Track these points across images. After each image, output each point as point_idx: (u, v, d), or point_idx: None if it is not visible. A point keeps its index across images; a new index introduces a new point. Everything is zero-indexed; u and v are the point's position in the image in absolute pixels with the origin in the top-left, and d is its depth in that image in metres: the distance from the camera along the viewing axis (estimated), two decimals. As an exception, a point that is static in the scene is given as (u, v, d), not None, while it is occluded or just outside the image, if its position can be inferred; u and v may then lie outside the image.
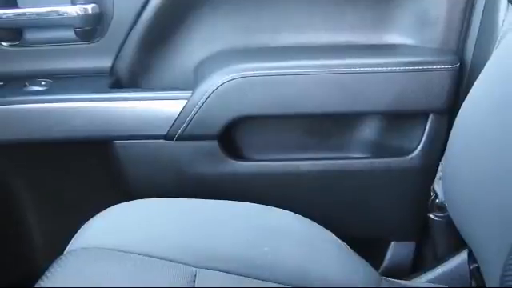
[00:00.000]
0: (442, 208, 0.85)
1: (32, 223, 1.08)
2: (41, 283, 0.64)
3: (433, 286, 0.81)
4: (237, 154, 0.95)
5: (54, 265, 0.68)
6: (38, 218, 1.07)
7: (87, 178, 1.02)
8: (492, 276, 0.67)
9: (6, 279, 1.06)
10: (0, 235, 1.03)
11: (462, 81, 0.86)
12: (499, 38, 0.81)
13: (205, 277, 0.67)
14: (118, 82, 0.95)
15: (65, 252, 0.71)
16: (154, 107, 0.89)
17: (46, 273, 0.66)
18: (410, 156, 0.92)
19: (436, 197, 0.85)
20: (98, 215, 0.77)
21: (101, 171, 0.99)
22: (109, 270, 0.66)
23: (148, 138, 0.89)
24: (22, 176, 1.02)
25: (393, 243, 1.01)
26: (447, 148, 0.77)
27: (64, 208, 1.03)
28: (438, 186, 0.84)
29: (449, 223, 0.83)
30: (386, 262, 1.02)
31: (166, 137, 0.89)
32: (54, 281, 0.64)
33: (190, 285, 0.65)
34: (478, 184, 0.70)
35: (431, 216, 0.88)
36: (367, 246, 0.87)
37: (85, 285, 0.64)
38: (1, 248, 1.03)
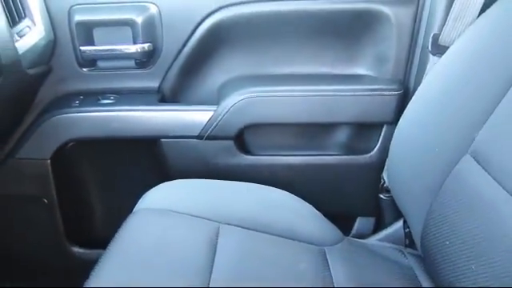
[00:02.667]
0: (388, 190, 1.13)
1: (94, 203, 1.35)
2: (120, 233, 0.91)
3: (379, 243, 1.09)
4: (246, 151, 1.22)
5: (127, 220, 0.95)
6: (100, 199, 1.33)
7: (140, 168, 1.28)
8: (416, 235, 0.94)
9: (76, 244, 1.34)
10: (70, 211, 1.31)
11: (406, 101, 1.13)
12: (427, 71, 1.09)
13: (225, 229, 0.94)
14: (163, 97, 1.23)
15: (132, 212, 0.99)
16: (190, 116, 1.17)
17: (123, 226, 0.93)
18: (369, 154, 1.20)
19: (384, 182, 1.13)
20: (153, 189, 1.04)
21: (150, 162, 1.25)
22: (163, 223, 0.94)
23: (185, 138, 1.17)
24: (91, 165, 1.28)
25: (358, 218, 1.29)
26: (390, 149, 1.05)
27: (120, 190, 1.29)
28: (385, 174, 1.12)
29: (392, 201, 1.10)
30: (353, 233, 1.29)
31: (198, 137, 1.17)
32: (129, 229, 0.92)
33: (216, 234, 0.93)
34: (409, 173, 0.98)
35: (381, 196, 1.16)
36: (340, 220, 1.14)
37: (148, 233, 0.92)
38: (71, 220, 1.31)
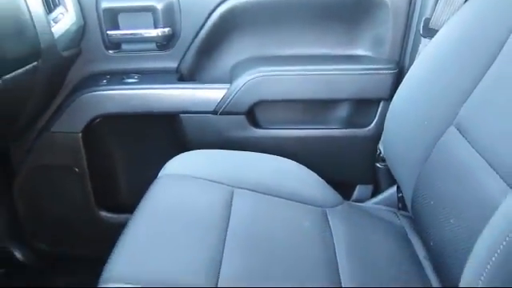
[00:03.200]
0: (383, 160, 1.24)
1: (120, 172, 1.45)
2: (147, 195, 1.03)
3: (375, 206, 1.20)
4: (257, 125, 1.33)
5: (152, 185, 1.07)
6: (125, 168, 1.44)
7: (161, 140, 1.38)
8: (407, 199, 1.05)
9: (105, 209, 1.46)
10: (99, 179, 1.42)
11: (401, 80, 1.21)
12: (419, 52, 1.19)
13: (239, 192, 1.05)
14: (181, 77, 1.34)
15: (156, 178, 1.10)
16: (205, 93, 1.29)
17: (149, 190, 1.05)
18: (367, 128, 1.31)
19: (380, 152, 1.24)
20: (174, 158, 1.16)
21: (170, 135, 1.36)
22: (184, 187, 1.06)
23: (201, 113, 1.29)
24: (117, 138, 1.39)
25: (358, 186, 1.39)
26: (385, 122, 1.15)
27: (143, 160, 1.40)
28: (381, 145, 1.23)
29: (387, 169, 1.21)
30: (352, 199, 1.40)
31: (213, 112, 1.28)
32: (155, 192, 1.04)
33: (230, 197, 1.04)
34: (402, 144, 1.08)
35: (378, 165, 1.27)
36: (341, 187, 1.25)
37: (172, 195, 1.03)
38: (100, 187, 1.43)
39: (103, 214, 1.41)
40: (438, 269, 0.91)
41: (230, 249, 0.86)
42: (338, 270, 0.89)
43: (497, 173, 0.74)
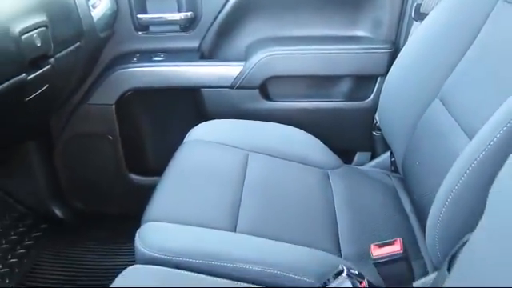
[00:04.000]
0: (379, 128, 1.37)
1: (148, 139, 1.59)
2: (175, 157, 1.18)
3: (371, 169, 1.35)
4: (268, 98, 1.48)
5: (179, 149, 1.22)
6: (153, 136, 1.58)
7: (184, 111, 1.52)
8: (399, 162, 1.19)
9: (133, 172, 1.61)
10: (130, 146, 1.58)
11: (395, 58, 1.31)
12: (411, 33, 1.32)
13: (253, 155, 1.20)
14: (202, 55, 1.49)
15: (182, 143, 1.26)
16: (223, 70, 1.43)
17: (176, 153, 1.20)
18: (366, 101, 1.45)
19: (376, 122, 1.38)
20: (196, 127, 1.31)
21: (192, 107, 1.49)
22: (207, 150, 1.21)
23: (219, 87, 1.43)
24: (146, 109, 1.53)
25: (358, 153, 1.54)
26: (381, 95, 1.29)
27: (169, 129, 1.53)
28: (377, 116, 1.37)
29: (382, 137, 1.35)
30: (353, 163, 1.54)
31: (230, 87, 1.43)
32: (182, 154, 1.19)
33: (246, 159, 1.19)
34: (394, 115, 1.22)
35: (374, 133, 1.42)
36: (343, 154, 1.40)
37: (196, 157, 1.18)
38: (131, 153, 1.58)
39: (133, 176, 1.57)
40: (419, 218, 1.06)
41: (246, 199, 1.03)
42: (336, 218, 1.04)
43: (465, 133, 0.88)
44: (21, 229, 1.58)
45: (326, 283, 0.78)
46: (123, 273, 0.77)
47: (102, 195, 1.63)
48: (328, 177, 1.21)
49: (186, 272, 0.77)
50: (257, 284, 0.78)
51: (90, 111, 1.48)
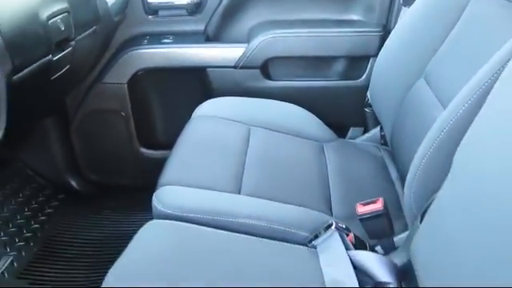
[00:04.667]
0: (370, 105, 1.48)
1: (158, 115, 1.69)
2: (185, 130, 1.28)
3: (363, 142, 1.46)
4: (268, 77, 1.58)
5: (188, 123, 1.33)
6: (162, 112, 1.68)
7: (191, 90, 1.61)
8: (387, 136, 1.30)
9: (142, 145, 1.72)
10: (141, 121, 1.68)
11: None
12: (400, 17, 1.42)
13: (254, 129, 1.31)
14: (208, 37, 1.59)
15: (190, 119, 1.36)
16: (227, 51, 1.54)
17: (185, 127, 1.31)
18: (359, 80, 1.55)
19: (368, 99, 1.49)
20: (203, 104, 1.41)
21: (199, 85, 1.59)
22: (213, 125, 1.30)
23: (224, 67, 1.54)
24: (156, 88, 1.63)
25: (352, 129, 1.64)
26: (372, 75, 1.39)
27: (177, 106, 1.62)
28: (369, 94, 1.47)
29: (374, 113, 1.45)
30: (347, 138, 1.65)
31: (233, 67, 1.53)
32: (191, 127, 1.29)
33: (248, 132, 1.29)
34: (383, 92, 1.32)
35: (366, 109, 1.52)
36: (338, 130, 1.50)
37: (204, 130, 1.28)
38: (141, 128, 1.68)
39: (144, 150, 1.68)
40: (403, 184, 1.17)
41: (249, 167, 1.14)
42: (328, 184, 1.16)
43: (442, 106, 0.99)
44: (41, 198, 1.69)
45: (317, 235, 0.90)
46: (144, 226, 0.89)
47: (115, 168, 1.74)
48: (322, 149, 1.32)
49: (198, 226, 0.89)
50: (260, 237, 0.90)
51: (104, 89, 1.59)
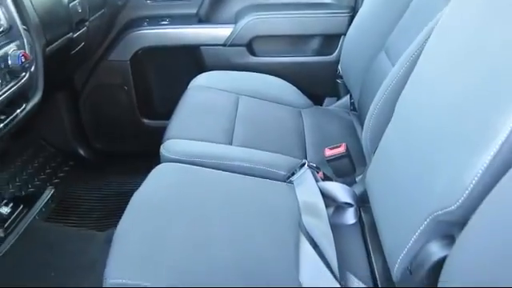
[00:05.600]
0: (341, 77, 1.69)
1: (157, 88, 1.89)
2: (184, 98, 1.49)
3: (335, 108, 1.67)
4: (253, 53, 1.78)
5: (185, 93, 1.53)
6: (161, 86, 1.88)
7: (186, 66, 1.80)
8: (356, 102, 1.51)
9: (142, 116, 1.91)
10: (141, 94, 1.87)
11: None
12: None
13: (242, 98, 1.51)
14: (200, 19, 1.78)
15: (187, 89, 1.56)
16: (217, 31, 1.74)
17: (184, 95, 1.51)
18: (332, 55, 1.76)
19: (339, 72, 1.69)
20: (197, 76, 1.61)
21: (193, 61, 1.78)
22: (206, 94, 1.51)
23: (215, 45, 1.74)
24: (155, 64, 1.82)
25: (327, 98, 1.86)
26: (342, 50, 1.61)
27: (174, 80, 1.79)
28: (340, 67, 1.69)
29: (344, 84, 1.67)
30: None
31: (223, 45, 1.73)
32: (189, 95, 1.49)
33: (237, 100, 1.50)
34: (351, 64, 1.53)
35: (338, 81, 1.73)
36: (315, 99, 1.71)
37: (200, 98, 1.48)
38: (142, 100, 1.87)
39: (145, 120, 1.88)
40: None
41: (238, 126, 1.35)
42: (304, 139, 1.37)
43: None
44: (53, 164, 1.88)
45: (293, 173, 1.12)
46: (156, 168, 1.09)
47: (118, 136, 1.93)
48: (300, 113, 1.53)
49: (199, 167, 1.10)
50: (249, 175, 1.11)
51: (109, 66, 1.77)
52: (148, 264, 0.80)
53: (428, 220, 0.71)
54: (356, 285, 0.84)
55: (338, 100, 1.81)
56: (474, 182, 0.63)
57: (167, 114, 1.46)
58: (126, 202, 1.00)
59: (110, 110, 1.87)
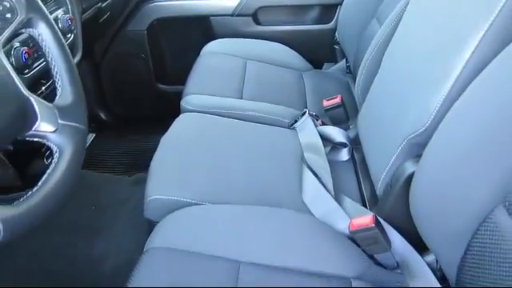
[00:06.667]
0: (338, 43, 1.85)
1: (172, 55, 2.04)
2: (197, 63, 1.66)
3: (332, 71, 1.84)
4: (259, 22, 1.94)
5: (198, 59, 1.69)
6: (175, 52, 2.02)
7: (197, 35, 1.96)
8: (351, 64, 1.69)
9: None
10: (157, 61, 2.03)
11: None
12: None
13: (249, 62, 1.68)
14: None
15: (200, 55, 1.72)
16: (226, 2, 1.89)
17: (197, 60, 1.68)
18: (330, 23, 1.92)
19: (336, 38, 1.86)
20: (208, 44, 1.78)
21: (204, 31, 1.95)
22: (218, 58, 1.69)
23: (224, 15, 1.90)
24: (169, 34, 1.97)
25: (325, 64, 2.02)
26: (339, 18, 1.77)
27: (187, 47, 1.96)
28: (337, 34, 1.85)
29: (341, 49, 1.83)
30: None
31: (231, 15, 1.89)
32: (202, 60, 1.67)
33: (245, 64, 1.67)
34: (347, 32, 1.70)
35: (335, 47, 1.90)
36: (315, 64, 1.88)
37: (212, 62, 1.66)
38: (158, 67, 2.03)
39: (160, 85, 2.04)
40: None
41: (246, 84, 1.52)
42: (305, 94, 1.55)
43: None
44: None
45: (296, 121, 1.30)
46: (178, 118, 1.27)
47: (136, 101, 2.09)
48: (302, 75, 1.70)
49: (216, 116, 1.28)
50: (257, 123, 1.29)
51: (128, 35, 1.93)
52: (181, 184, 0.99)
53: (403, 143, 0.89)
54: (349, 203, 1.02)
55: (335, 65, 1.99)
56: (436, 108, 0.81)
57: (180, 80, 1.62)
58: (148, 155, 1.15)
59: (128, 76, 2.02)
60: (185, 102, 1.36)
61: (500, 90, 0.70)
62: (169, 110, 1.43)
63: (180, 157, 1.08)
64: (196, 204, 0.95)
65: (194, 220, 0.89)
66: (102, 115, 2.10)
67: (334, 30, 1.89)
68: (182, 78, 1.62)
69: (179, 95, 1.48)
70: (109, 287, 1.07)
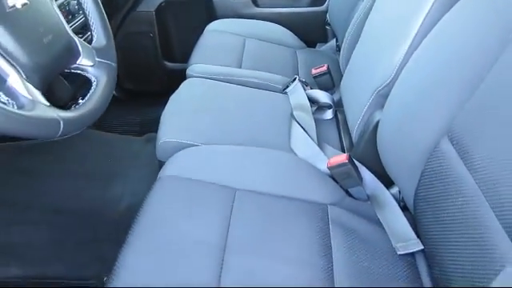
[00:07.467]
0: (329, 24, 2.02)
1: (177, 34, 2.20)
2: (200, 41, 1.83)
3: (324, 49, 2.01)
4: (257, 5, 2.11)
5: (201, 37, 1.86)
6: (180, 31, 2.18)
7: (201, 16, 2.12)
8: (341, 45, 1.86)
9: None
10: (164, 40, 2.20)
11: None
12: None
13: (248, 39, 1.86)
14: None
15: (203, 33, 1.89)
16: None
17: (200, 39, 1.85)
18: (322, 6, 2.08)
19: (328, 20, 2.03)
20: (211, 23, 1.94)
21: (207, 12, 2.12)
22: (220, 36, 1.86)
23: (224, 0, 2.07)
24: (176, 14, 2.13)
25: (318, 44, 2.19)
26: (330, 1, 1.93)
27: (190, 26, 2.12)
28: (328, 16, 2.01)
29: (332, 30, 2.00)
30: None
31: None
32: (205, 39, 1.84)
33: (243, 42, 1.84)
34: (337, 14, 1.87)
35: (327, 27, 2.06)
36: (308, 44, 2.04)
37: (214, 40, 1.83)
38: (165, 46, 2.20)
39: (167, 63, 2.21)
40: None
41: (245, 57, 1.69)
42: (297, 65, 1.71)
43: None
44: (90, 101, 2.22)
45: (287, 86, 1.47)
46: (183, 83, 1.44)
47: (145, 78, 2.24)
48: (295, 53, 1.87)
49: (217, 81, 1.45)
50: (253, 87, 1.46)
51: (138, 16, 2.09)
52: (188, 130, 1.16)
53: (373, 96, 1.06)
54: (329, 150, 1.19)
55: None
56: (399, 62, 0.98)
57: (185, 58, 1.78)
58: (156, 121, 1.28)
59: (138, 53, 2.17)
60: (190, 70, 1.53)
61: (450, 40, 0.87)
62: (175, 85, 1.53)
63: (187, 109, 1.25)
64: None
65: (199, 155, 1.06)
66: (114, 91, 2.25)
67: (325, 12, 2.06)
68: (186, 55, 1.76)
69: (184, 72, 1.61)
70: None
